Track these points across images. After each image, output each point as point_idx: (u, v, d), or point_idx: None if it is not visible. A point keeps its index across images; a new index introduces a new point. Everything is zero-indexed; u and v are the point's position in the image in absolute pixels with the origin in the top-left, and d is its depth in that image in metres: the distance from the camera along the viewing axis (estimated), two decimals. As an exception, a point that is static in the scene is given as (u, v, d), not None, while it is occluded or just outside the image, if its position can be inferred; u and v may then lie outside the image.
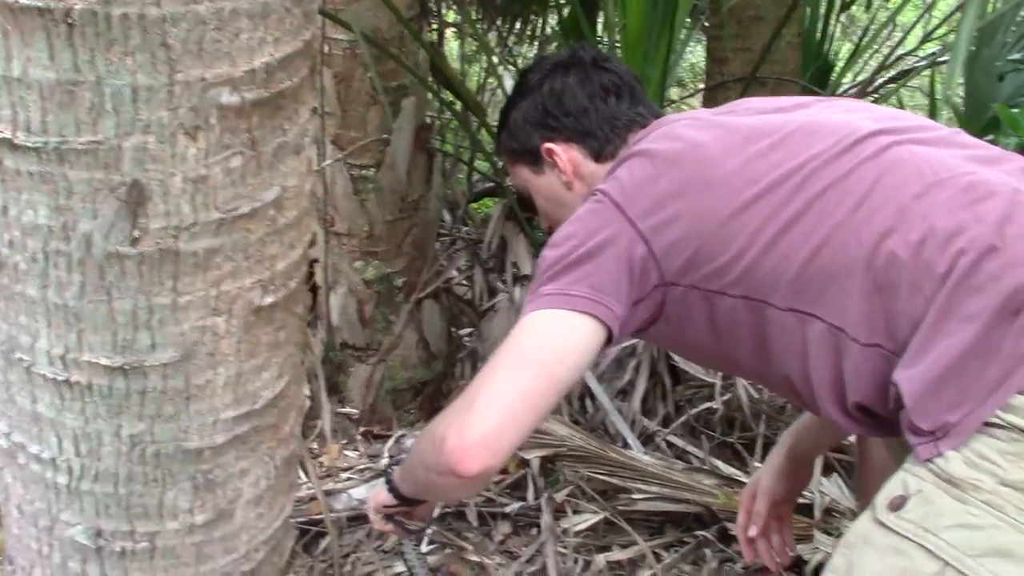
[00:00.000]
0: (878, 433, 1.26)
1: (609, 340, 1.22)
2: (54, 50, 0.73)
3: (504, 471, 2.52)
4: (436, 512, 2.27)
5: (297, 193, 0.90)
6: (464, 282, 3.07)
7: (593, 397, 2.75)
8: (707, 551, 2.18)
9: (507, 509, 2.34)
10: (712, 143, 1.29)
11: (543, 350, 1.20)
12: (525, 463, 2.48)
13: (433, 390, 2.71)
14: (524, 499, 2.38)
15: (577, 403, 2.75)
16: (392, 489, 1.43)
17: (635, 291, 1.23)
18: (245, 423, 0.94)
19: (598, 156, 1.46)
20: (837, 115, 1.29)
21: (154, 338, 0.85)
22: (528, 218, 2.81)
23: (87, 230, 0.79)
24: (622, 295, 1.23)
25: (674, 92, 5.26)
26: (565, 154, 1.46)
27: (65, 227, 0.79)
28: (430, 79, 2.58)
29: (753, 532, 1.63)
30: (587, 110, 1.47)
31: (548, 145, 1.47)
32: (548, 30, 3.79)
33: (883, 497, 1.12)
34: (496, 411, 1.16)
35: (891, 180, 1.16)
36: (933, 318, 1.08)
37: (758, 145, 1.24)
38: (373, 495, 1.51)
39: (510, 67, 3.48)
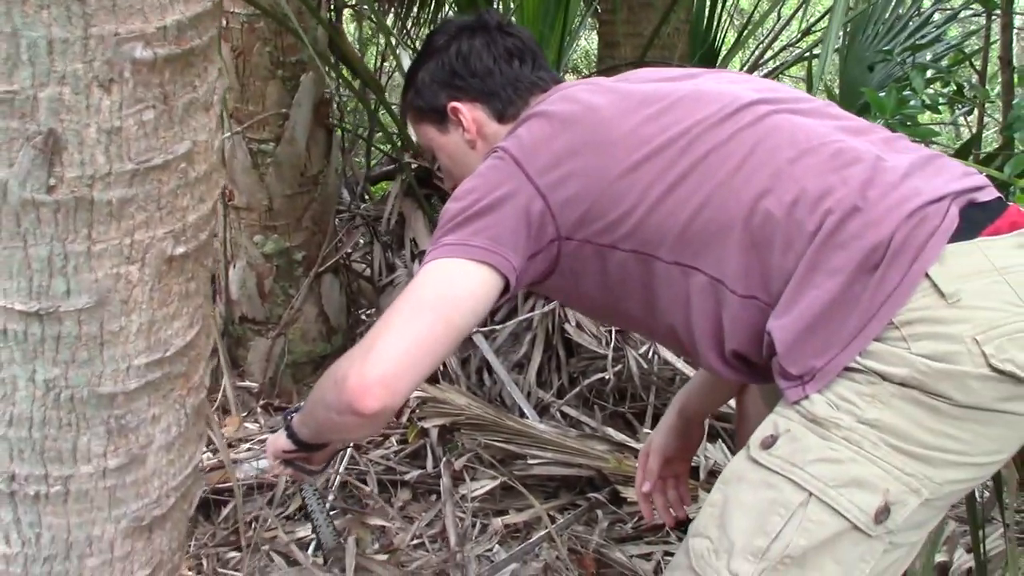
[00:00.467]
0: (753, 380, 1.36)
1: (505, 290, 1.29)
2: (-28, 1, 0.76)
3: (404, 440, 2.59)
4: (335, 478, 2.32)
5: (207, 148, 0.94)
6: (362, 259, 3.11)
7: (491, 370, 2.83)
8: (599, 512, 2.29)
9: (407, 477, 2.41)
10: (607, 106, 1.36)
11: (441, 297, 1.26)
12: (424, 432, 2.55)
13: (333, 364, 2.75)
14: (423, 467, 2.45)
15: (475, 376, 2.83)
16: (291, 435, 1.49)
17: (532, 244, 1.30)
18: (157, 370, 0.98)
19: (501, 117, 1.52)
20: (722, 85, 1.38)
21: (69, 284, 0.89)
22: (427, 195, 2.87)
23: (2, 177, 0.82)
24: (519, 247, 1.29)
25: (568, 78, 5.36)
26: (470, 113, 1.51)
27: (-19, 175, 0.82)
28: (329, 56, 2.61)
29: (646, 488, 1.73)
30: (492, 72, 1.52)
31: (454, 104, 1.52)
32: (445, 13, 3.84)
33: (755, 437, 1.23)
34: (395, 353, 1.23)
35: (768, 145, 1.26)
36: (802, 271, 1.18)
37: (648, 110, 1.33)
38: (271, 440, 1.56)
39: (408, 48, 3.51)
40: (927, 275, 1.15)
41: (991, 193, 1.24)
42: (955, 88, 2.68)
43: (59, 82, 0.80)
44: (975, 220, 1.19)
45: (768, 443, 1.21)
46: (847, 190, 1.20)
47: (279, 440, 1.53)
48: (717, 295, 1.26)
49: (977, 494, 1.80)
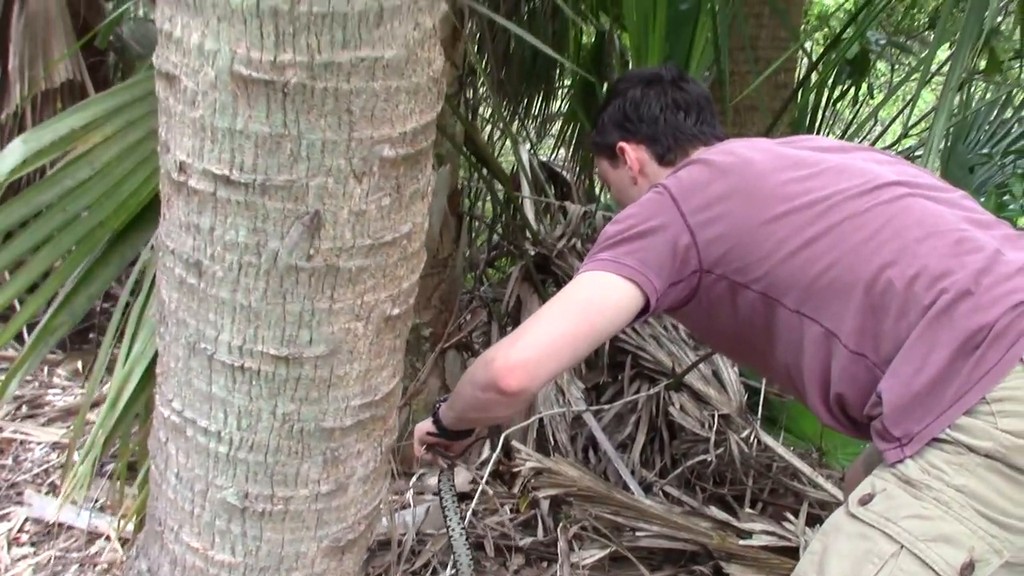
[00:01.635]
0: (847, 431, 1.49)
1: (646, 308, 1.46)
2: (270, 111, 0.98)
3: (516, 510, 2.74)
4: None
5: (421, 229, 1.15)
6: (480, 337, 3.31)
7: (596, 448, 2.98)
8: (703, 583, 2.39)
9: (520, 543, 2.55)
10: (760, 162, 1.53)
11: (589, 301, 1.43)
12: (535, 503, 2.70)
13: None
14: (535, 535, 2.60)
15: (581, 454, 2.97)
16: (436, 421, 1.68)
17: (675, 273, 1.47)
18: (368, 411, 1.18)
19: (661, 160, 1.71)
20: (868, 163, 1.54)
21: (312, 335, 1.09)
22: (543, 279, 3.07)
23: (275, 247, 1.04)
24: (663, 273, 1.46)
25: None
26: (634, 153, 1.72)
27: (258, 244, 1.04)
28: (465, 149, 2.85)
29: None
30: (657, 119, 1.72)
31: (622, 144, 1.73)
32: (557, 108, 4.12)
33: (854, 495, 1.35)
34: (540, 342, 1.40)
35: (899, 223, 1.41)
36: (912, 341, 1.32)
37: (798, 172, 1.49)
38: (419, 427, 1.75)
39: (525, 142, 3.77)
40: (1021, 360, 1.28)
41: None
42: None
43: (326, 174, 1.02)
44: None
45: (866, 500, 1.33)
46: (964, 274, 1.33)
47: (425, 425, 1.72)
48: (829, 346, 1.41)
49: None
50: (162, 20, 1.02)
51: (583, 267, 1.49)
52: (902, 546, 1.28)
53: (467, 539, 1.80)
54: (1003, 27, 3.94)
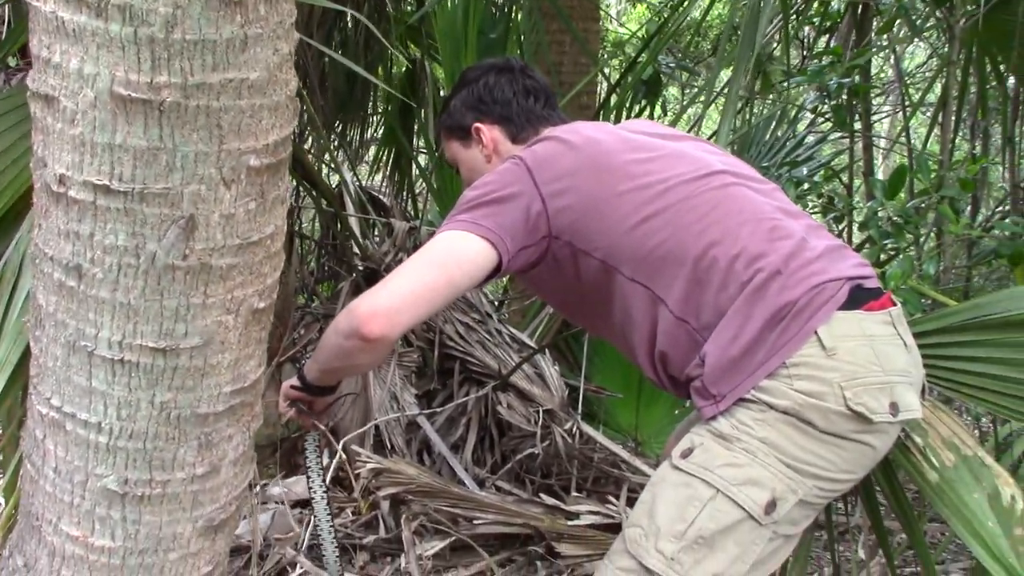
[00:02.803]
0: (668, 388, 1.71)
1: (498, 268, 1.63)
2: (147, 127, 1.11)
3: (358, 512, 2.87)
4: (304, 537, 2.58)
5: (281, 231, 1.29)
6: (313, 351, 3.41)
7: (431, 450, 3.14)
8: (538, 563, 2.60)
9: (364, 541, 2.68)
10: (606, 142, 1.72)
11: (447, 256, 1.60)
12: (375, 505, 2.84)
13: (290, 446, 3.02)
14: (377, 533, 2.73)
15: (416, 456, 3.13)
16: (301, 377, 1.79)
17: (526, 237, 1.65)
18: (238, 396, 1.30)
19: (514, 139, 1.88)
20: (698, 152, 1.76)
21: (187, 328, 1.21)
22: (372, 293, 3.21)
23: (153, 249, 1.16)
24: (516, 237, 1.63)
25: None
26: (489, 133, 1.88)
27: (137, 247, 1.15)
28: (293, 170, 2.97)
29: None
30: (510, 102, 1.88)
31: (477, 124, 1.89)
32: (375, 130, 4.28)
33: (676, 450, 1.58)
34: (401, 292, 1.56)
35: (724, 208, 1.64)
36: (731, 312, 1.55)
37: (639, 155, 1.70)
38: (284, 385, 1.87)
39: (351, 169, 3.92)
40: (816, 332, 1.53)
41: (874, 282, 1.63)
42: (827, 199, 3.20)
43: (199, 182, 1.15)
44: (859, 298, 1.57)
45: (686, 454, 1.56)
46: (776, 257, 1.57)
47: (290, 382, 1.84)
48: (656, 311, 1.62)
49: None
50: (39, 48, 1.13)
51: (443, 227, 1.64)
52: (718, 490, 1.51)
53: (328, 504, 1.90)
54: (776, 51, 4.41)
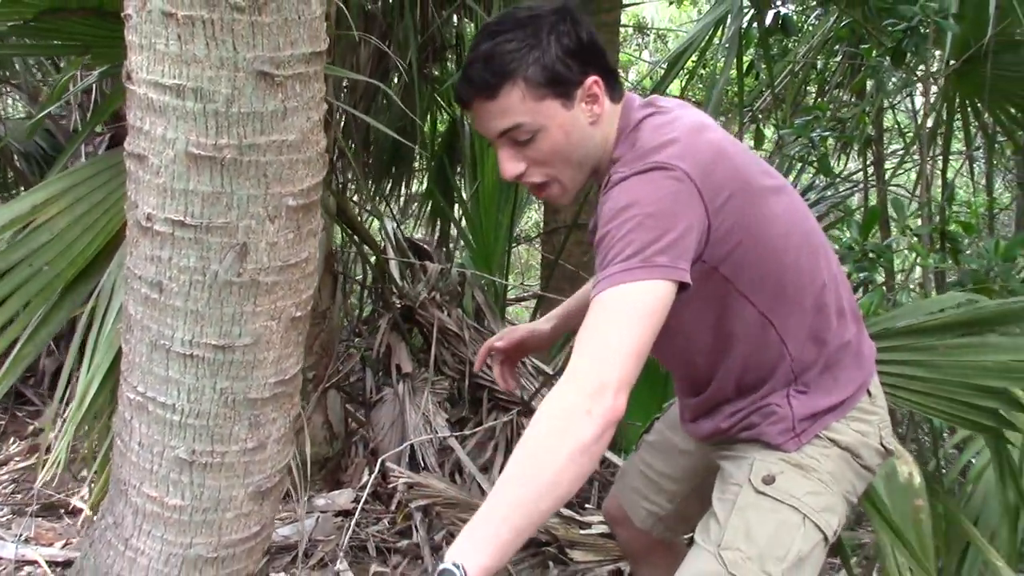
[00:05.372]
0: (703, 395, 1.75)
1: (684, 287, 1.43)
2: (212, 177, 1.49)
3: (394, 522, 3.20)
4: (344, 541, 2.91)
5: (314, 256, 1.66)
6: (355, 383, 3.78)
7: (462, 471, 3.47)
8: (550, 563, 2.90)
9: (398, 545, 3.01)
10: (734, 154, 1.52)
11: (645, 310, 1.35)
12: (410, 516, 3.17)
13: (334, 464, 3.38)
14: (411, 539, 3.06)
15: (448, 476, 3.46)
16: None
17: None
18: (280, 387, 1.66)
19: (612, 96, 1.57)
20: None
21: (241, 330, 1.58)
22: (409, 329, 3.58)
23: (215, 269, 1.53)
24: (690, 256, 1.43)
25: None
26: (600, 89, 1.54)
27: (203, 267, 1.53)
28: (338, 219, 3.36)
29: (501, 345, 2.05)
30: (605, 51, 1.55)
31: (596, 77, 1.52)
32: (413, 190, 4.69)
33: (755, 475, 1.63)
34: (623, 359, 1.31)
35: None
36: (834, 364, 1.68)
37: (765, 178, 1.57)
38: None
39: (387, 216, 4.32)
40: (868, 392, 1.70)
41: None
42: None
43: (250, 217, 1.52)
44: None
45: (769, 480, 1.62)
46: (851, 310, 1.72)
47: None
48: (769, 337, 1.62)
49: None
50: (134, 119, 1.52)
51: (617, 266, 1.37)
52: (805, 515, 1.59)
53: None
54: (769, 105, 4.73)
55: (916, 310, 2.02)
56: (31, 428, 3.69)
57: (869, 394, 1.71)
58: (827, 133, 3.14)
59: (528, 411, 3.48)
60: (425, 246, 4.43)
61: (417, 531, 3.10)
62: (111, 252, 2.02)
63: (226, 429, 1.63)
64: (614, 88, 1.56)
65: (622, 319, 1.33)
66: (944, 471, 3.04)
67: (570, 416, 1.27)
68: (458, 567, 1.20)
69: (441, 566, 1.20)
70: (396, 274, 3.71)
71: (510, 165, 1.57)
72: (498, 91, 1.51)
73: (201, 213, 1.51)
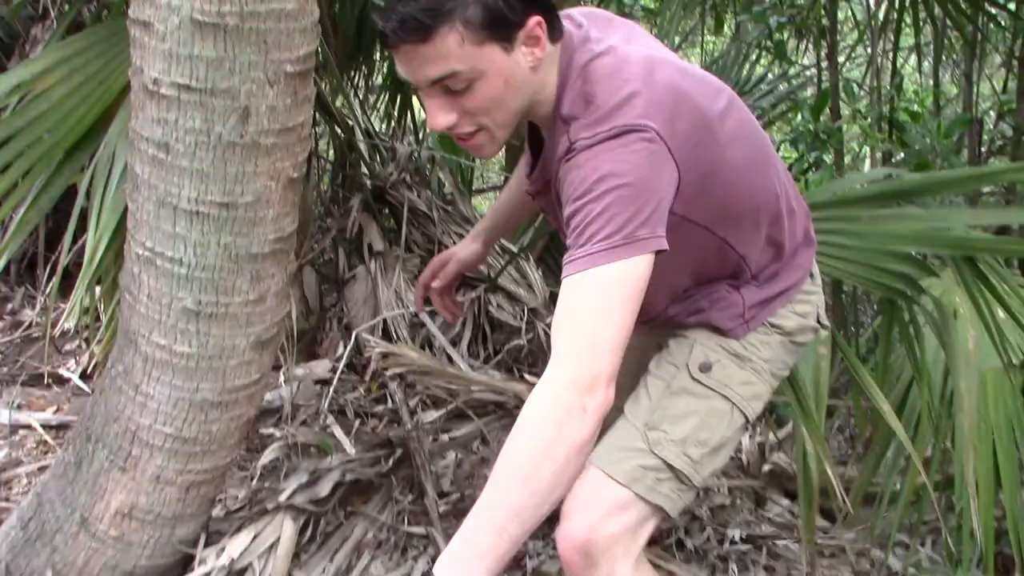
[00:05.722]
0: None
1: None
2: (215, 42, 1.58)
3: (369, 389, 3.38)
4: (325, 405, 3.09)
5: (308, 121, 1.77)
6: (328, 261, 3.91)
7: (433, 344, 3.64)
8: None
9: (375, 410, 3.20)
10: (688, 87, 1.47)
11: (626, 290, 1.35)
12: (383, 385, 3.35)
13: (310, 338, 3.53)
14: (386, 404, 3.24)
15: (418, 351, 3.63)
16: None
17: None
18: (279, 244, 1.79)
19: (553, 36, 1.45)
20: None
21: (243, 189, 1.70)
22: (380, 208, 3.70)
23: (219, 130, 1.64)
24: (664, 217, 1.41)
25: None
26: (543, 30, 1.42)
27: (208, 129, 1.64)
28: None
29: (437, 285, 2.09)
30: None
31: (539, 18, 1.40)
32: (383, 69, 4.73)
33: (692, 361, 1.67)
34: (610, 348, 1.33)
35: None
36: (776, 250, 1.73)
37: (712, 92, 1.55)
38: None
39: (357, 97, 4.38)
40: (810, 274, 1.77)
41: None
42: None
43: (251, 82, 1.63)
44: None
45: (705, 368, 1.65)
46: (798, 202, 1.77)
47: None
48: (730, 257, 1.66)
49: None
50: (138, -13, 1.60)
51: (600, 246, 1.34)
52: (734, 404, 1.65)
53: None
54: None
55: (846, 183, 2.19)
56: (9, 307, 3.79)
57: (811, 275, 1.77)
58: (784, 20, 3.26)
59: (495, 287, 3.65)
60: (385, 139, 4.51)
61: (393, 398, 3.28)
62: (108, 120, 2.11)
63: (230, 282, 1.77)
64: (554, 27, 1.45)
65: (610, 305, 1.32)
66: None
67: (566, 416, 1.29)
68: None
69: None
70: (366, 155, 3.80)
71: (441, 116, 1.46)
72: (433, 34, 1.37)
73: (205, 77, 1.61)
